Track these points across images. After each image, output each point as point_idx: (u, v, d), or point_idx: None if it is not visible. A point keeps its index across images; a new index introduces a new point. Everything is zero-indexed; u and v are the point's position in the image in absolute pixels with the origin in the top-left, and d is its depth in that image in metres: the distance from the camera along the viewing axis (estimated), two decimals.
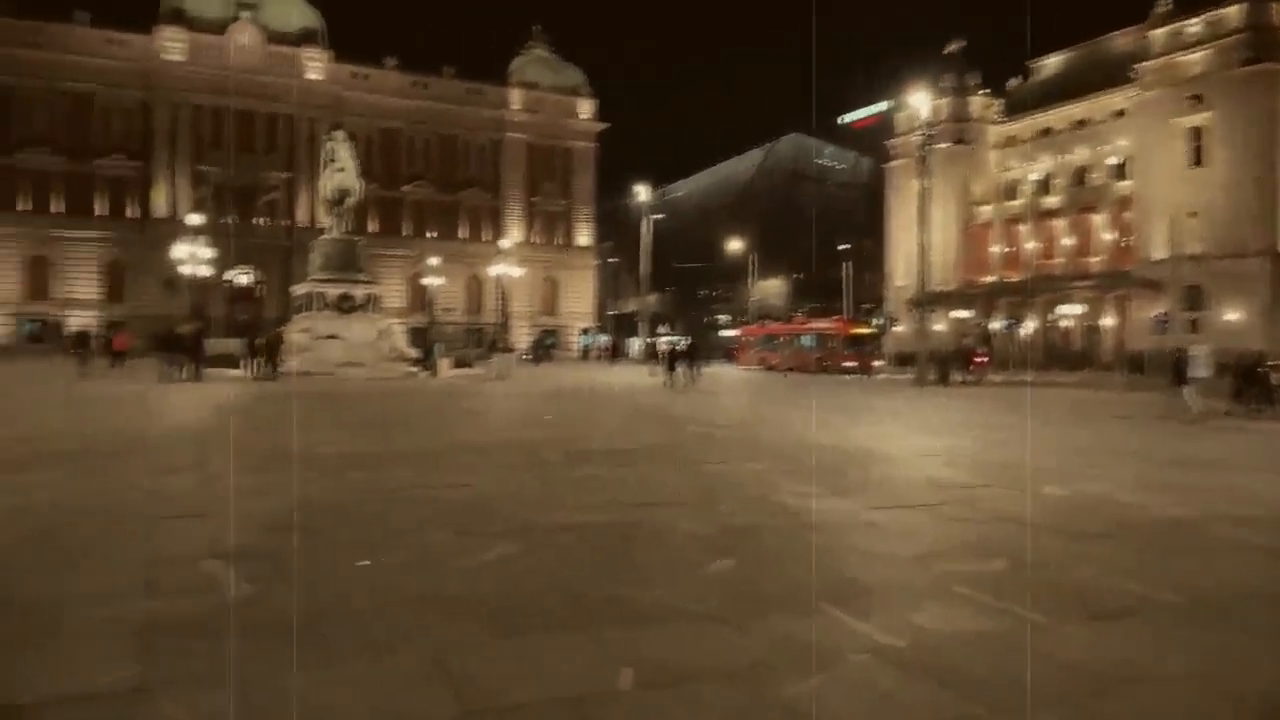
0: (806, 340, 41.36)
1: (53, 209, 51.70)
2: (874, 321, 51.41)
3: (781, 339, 43.40)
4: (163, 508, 6.64)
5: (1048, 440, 12.78)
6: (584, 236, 66.31)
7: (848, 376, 35.34)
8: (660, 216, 59.44)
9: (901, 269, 55.64)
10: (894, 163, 60.32)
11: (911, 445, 11.79)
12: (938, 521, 6.75)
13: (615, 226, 74.53)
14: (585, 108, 65.72)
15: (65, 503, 6.73)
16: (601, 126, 66.11)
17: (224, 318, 51.61)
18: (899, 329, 51.83)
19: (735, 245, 62.32)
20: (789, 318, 49.68)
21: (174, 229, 47.82)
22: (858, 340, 39.26)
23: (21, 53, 50.13)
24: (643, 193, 49.34)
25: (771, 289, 67.60)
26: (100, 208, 52.81)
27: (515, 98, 63.46)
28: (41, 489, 7.25)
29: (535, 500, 7.17)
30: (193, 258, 35.70)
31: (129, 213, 53.31)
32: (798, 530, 6.22)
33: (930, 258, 33.29)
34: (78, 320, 49.10)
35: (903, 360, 37.23)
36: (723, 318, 74.40)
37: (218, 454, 9.61)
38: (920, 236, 30.84)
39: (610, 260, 77.78)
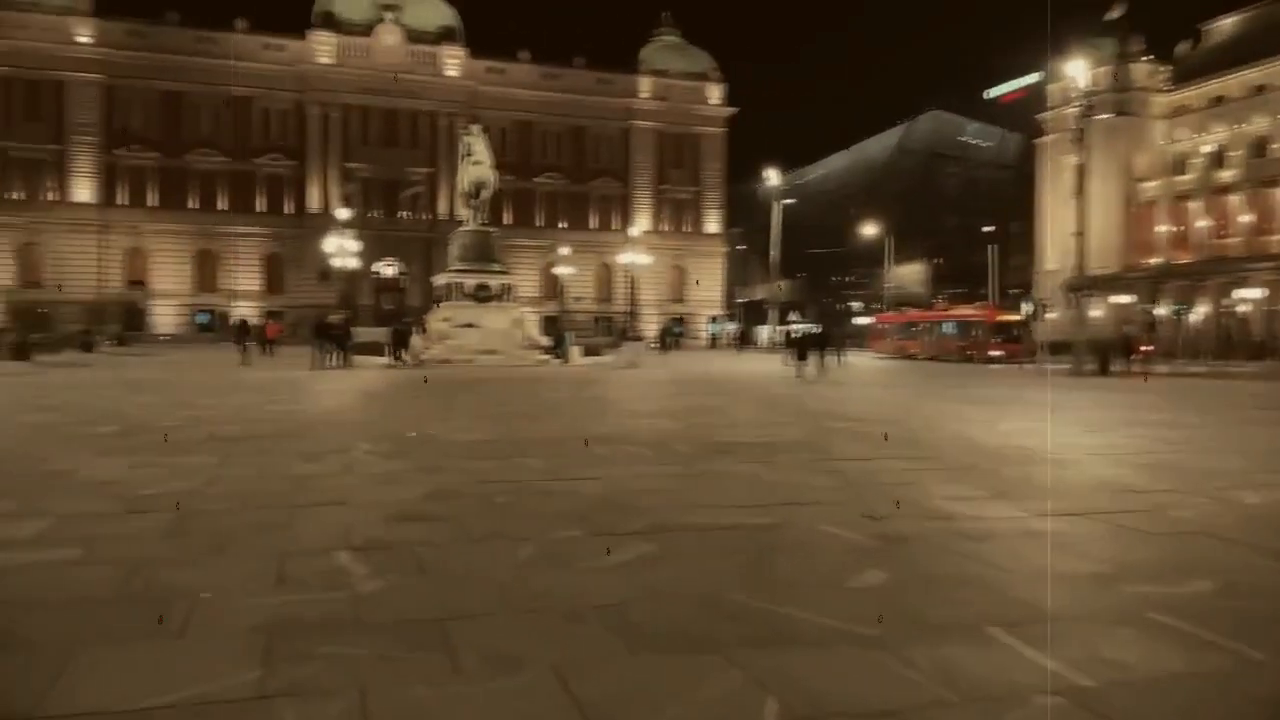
0: (949, 327, 39.50)
1: (218, 206, 55.59)
2: (1023, 308, 48.54)
3: (921, 326, 41.61)
4: (303, 495, 6.73)
5: (1231, 439, 11.48)
6: (713, 223, 65.75)
7: (995, 366, 33.54)
8: (791, 201, 58.14)
9: (1054, 252, 52.29)
10: (1046, 138, 56.67)
11: (1074, 442, 10.80)
12: (1116, 533, 6.00)
13: (745, 212, 73.48)
14: (714, 93, 65.00)
15: (215, 489, 6.93)
16: (731, 111, 65.26)
17: (371, 307, 54.18)
18: (1051, 316, 48.79)
19: (870, 229, 60.19)
20: (930, 304, 47.59)
21: (326, 223, 50.49)
22: (1005, 327, 37.14)
23: (190, 60, 54.08)
24: (773, 177, 48.31)
25: (909, 274, 64.87)
26: (260, 204, 56.38)
27: (644, 85, 63.46)
28: (196, 474, 7.52)
29: (668, 497, 6.86)
30: (341, 250, 37.50)
31: (286, 209, 56.67)
32: (954, 539, 5.64)
33: (1088, 239, 30.93)
34: (242, 310, 52.71)
35: (1055, 349, 34.86)
36: (856, 304, 72.08)
37: (358, 440, 9.82)
38: (1079, 215, 28.69)
39: (739, 247, 76.83)
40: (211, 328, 53.20)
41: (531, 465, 8.28)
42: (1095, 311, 42.73)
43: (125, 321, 49.60)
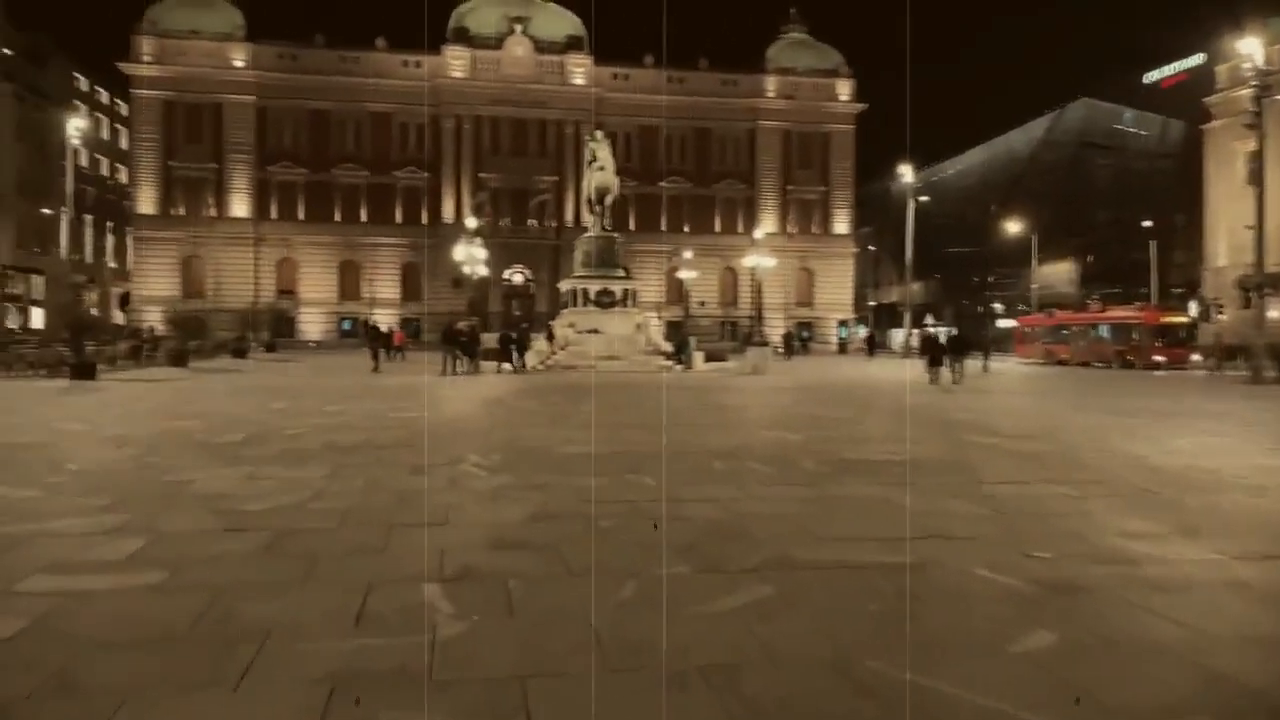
0: (1104, 330, 36.62)
1: (360, 218, 58.17)
2: (1189, 308, 44.54)
3: (1073, 329, 38.73)
4: (404, 513, 6.44)
5: None
6: (842, 224, 63.75)
7: (1158, 373, 30.82)
8: (925, 199, 55.62)
9: (1224, 247, 47.75)
10: (1214, 123, 51.83)
11: (1266, 464, 9.35)
12: None
13: (875, 211, 70.99)
14: (844, 89, 63.06)
15: (319, 504, 6.74)
16: (860, 107, 63.14)
17: (501, 314, 55.36)
18: (1222, 317, 44.55)
19: (1013, 226, 56.77)
20: (1083, 305, 44.31)
21: (459, 232, 51.87)
22: (1170, 330, 34.04)
23: (334, 80, 56.88)
24: (906, 174, 46.20)
25: (1057, 274, 60.79)
26: (398, 216, 58.62)
27: (770, 85, 62.27)
28: (305, 488, 7.38)
29: (791, 525, 6.17)
30: (470, 258, 38.32)
31: (422, 219, 58.69)
32: (1138, 589, 4.71)
33: (1265, 231, 27.84)
34: (382, 317, 54.92)
35: (1227, 354, 31.68)
36: (998, 306, 68.17)
37: (469, 451, 9.57)
38: (1256, 205, 25.86)
39: (870, 247, 74.32)
40: (354, 334, 55.60)
41: (643, 483, 7.75)
42: (1275, 312, 38.61)
43: (276, 329, 52.49)
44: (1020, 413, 16.07)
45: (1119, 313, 37.43)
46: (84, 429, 11.50)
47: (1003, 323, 59.17)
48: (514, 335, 28.30)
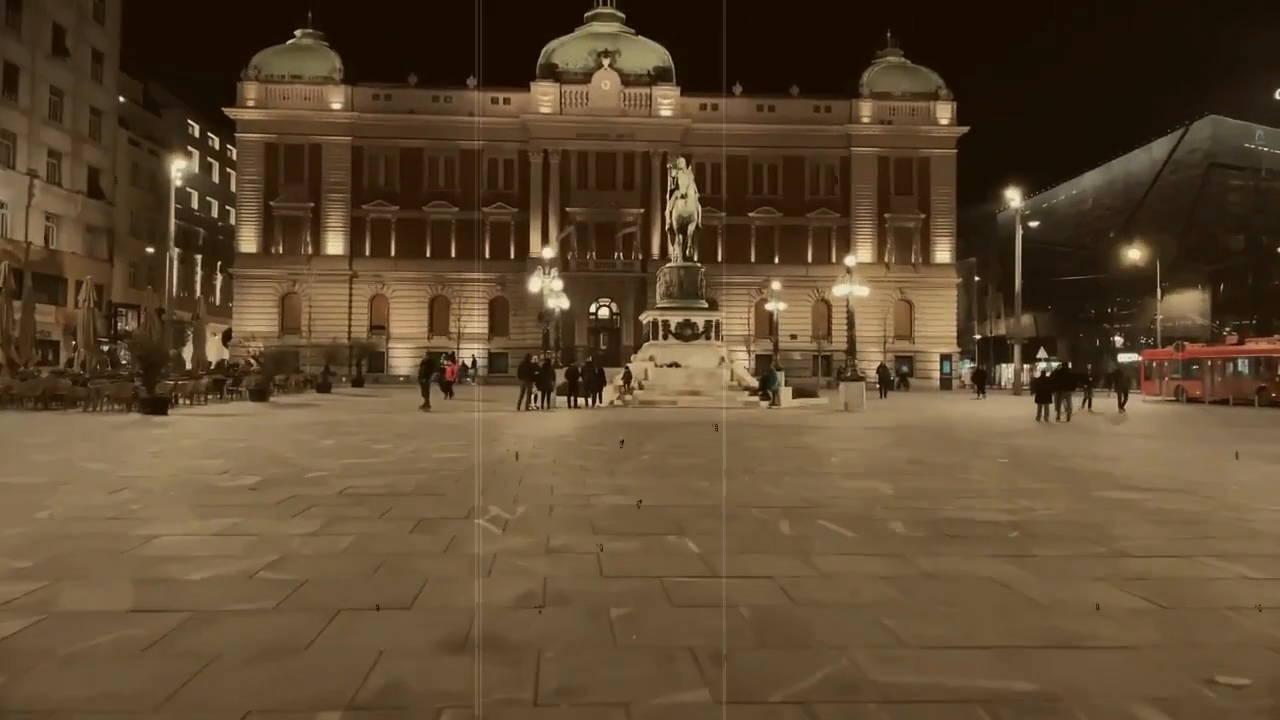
0: (1243, 365, 33.06)
1: (450, 254, 58.63)
2: None
3: (1207, 364, 35.13)
4: (370, 589, 5.15)
5: None
6: (943, 252, 60.68)
7: None
8: (1035, 224, 52.35)
9: None
10: None
11: None
12: None
13: (981, 239, 67.57)
14: (944, 112, 60.38)
15: (276, 574, 5.51)
16: (962, 130, 60.31)
17: (585, 348, 54.61)
18: None
19: (1134, 254, 52.72)
20: (1215, 337, 40.43)
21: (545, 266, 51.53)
22: None
23: (428, 119, 57.85)
24: (1015, 199, 43.39)
25: (1184, 304, 56.13)
26: (486, 251, 58.84)
27: (865, 109, 60.18)
28: (276, 549, 6.22)
29: (867, 619, 4.57)
30: (549, 291, 37.64)
31: (510, 254, 58.73)
32: None
33: None
34: (468, 352, 54.93)
35: None
36: (1118, 340, 63.44)
37: (497, 501, 8.26)
38: None
39: (975, 278, 70.69)
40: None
41: (685, 549, 6.25)
42: None
43: (368, 363, 53.03)
44: (1158, 459, 13.80)
45: (1261, 345, 33.77)
46: (104, 468, 10.73)
47: (1124, 357, 54.86)
48: (580, 369, 27.19)
